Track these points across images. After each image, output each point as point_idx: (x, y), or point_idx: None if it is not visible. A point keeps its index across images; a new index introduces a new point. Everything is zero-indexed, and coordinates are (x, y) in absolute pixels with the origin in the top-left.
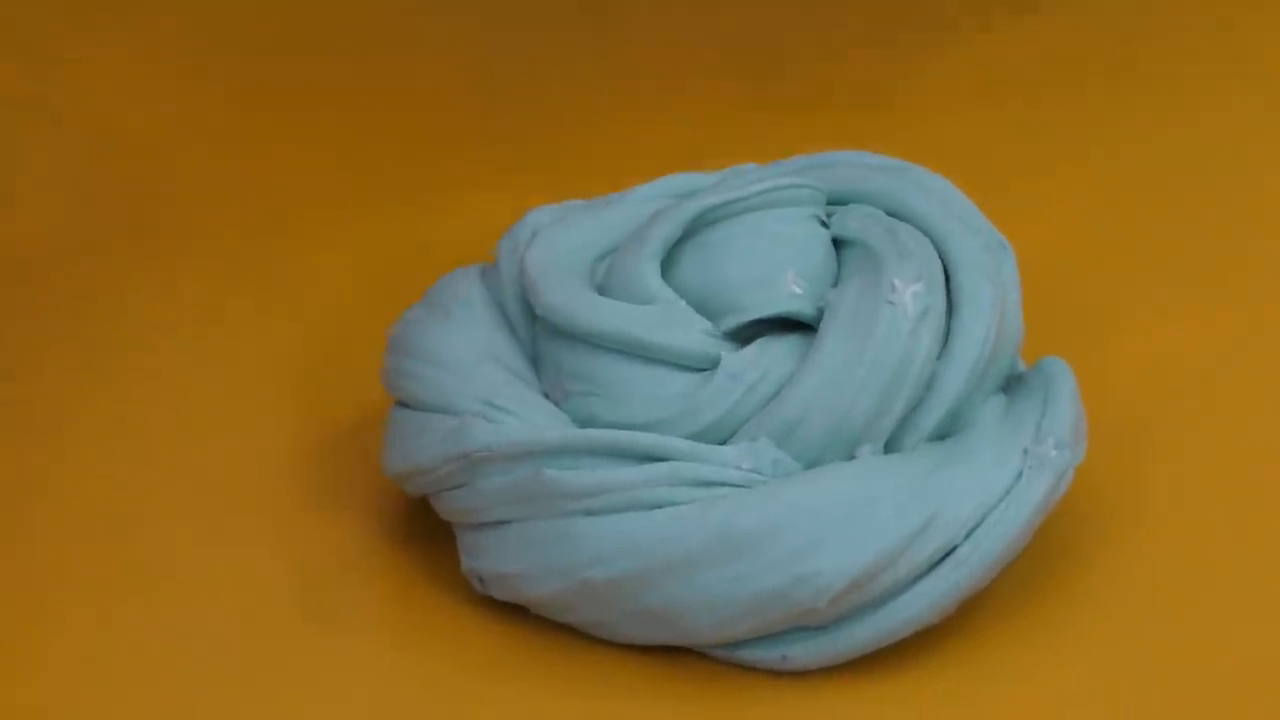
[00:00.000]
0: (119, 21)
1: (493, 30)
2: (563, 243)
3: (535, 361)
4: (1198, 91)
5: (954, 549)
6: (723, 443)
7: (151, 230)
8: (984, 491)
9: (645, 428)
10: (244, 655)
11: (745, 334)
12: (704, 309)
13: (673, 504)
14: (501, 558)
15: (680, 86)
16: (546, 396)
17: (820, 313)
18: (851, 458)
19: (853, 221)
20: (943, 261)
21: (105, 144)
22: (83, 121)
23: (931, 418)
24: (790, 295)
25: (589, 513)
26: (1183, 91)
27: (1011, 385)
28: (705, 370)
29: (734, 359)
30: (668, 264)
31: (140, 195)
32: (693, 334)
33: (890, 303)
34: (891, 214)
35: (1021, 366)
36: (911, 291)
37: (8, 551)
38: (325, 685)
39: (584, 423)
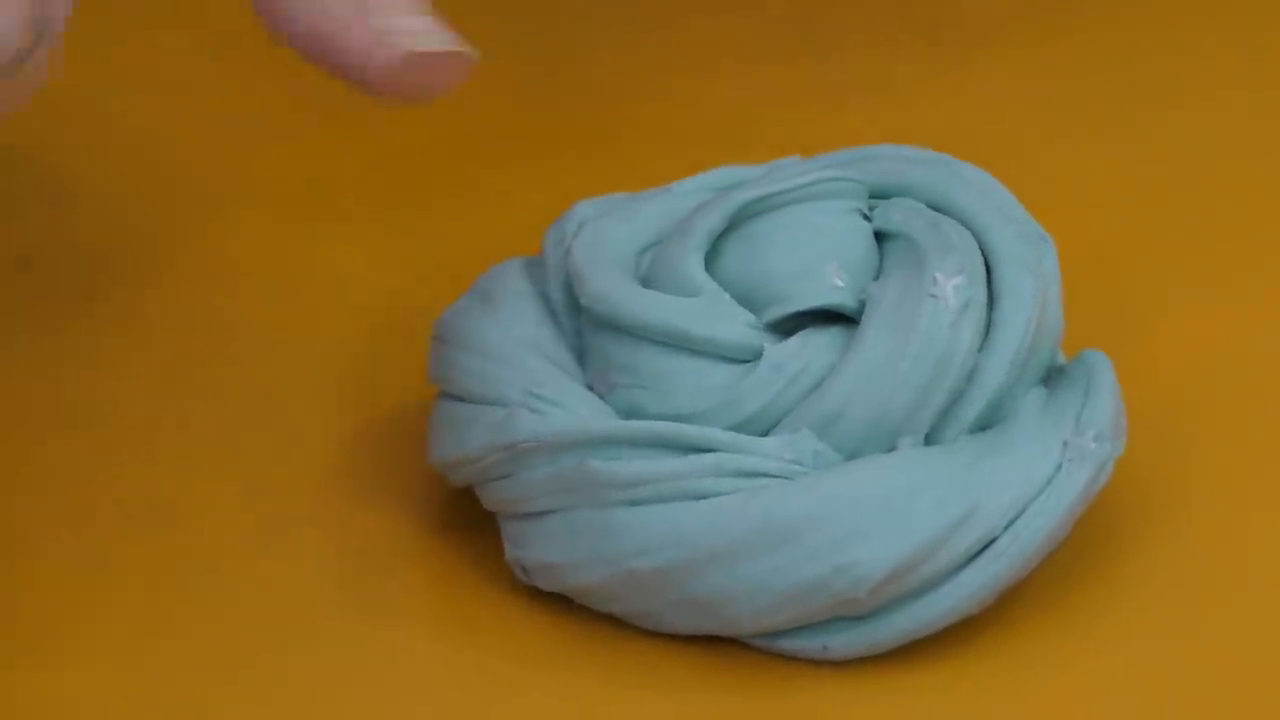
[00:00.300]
0: (152, 18)
1: (540, 23)
2: (608, 235)
3: (580, 353)
4: (1236, 89)
5: (994, 540)
6: (765, 434)
7: (199, 220)
8: (1024, 483)
9: (689, 419)
10: (291, 644)
11: (788, 326)
12: (747, 301)
13: (715, 494)
14: (546, 547)
15: (726, 79)
16: (591, 388)
17: (862, 305)
18: (892, 449)
19: (895, 214)
20: (984, 254)
21: (148, 137)
22: (121, 116)
23: (972, 410)
24: (833, 288)
25: (633, 503)
26: (1221, 89)
27: (1052, 378)
28: (748, 362)
29: (776, 350)
30: (711, 256)
31: (190, 184)
32: (736, 326)
33: (932, 295)
34: (933, 207)
35: (1062, 359)
36: (953, 284)
37: (56, 542)
38: (370, 674)
39: (628, 414)
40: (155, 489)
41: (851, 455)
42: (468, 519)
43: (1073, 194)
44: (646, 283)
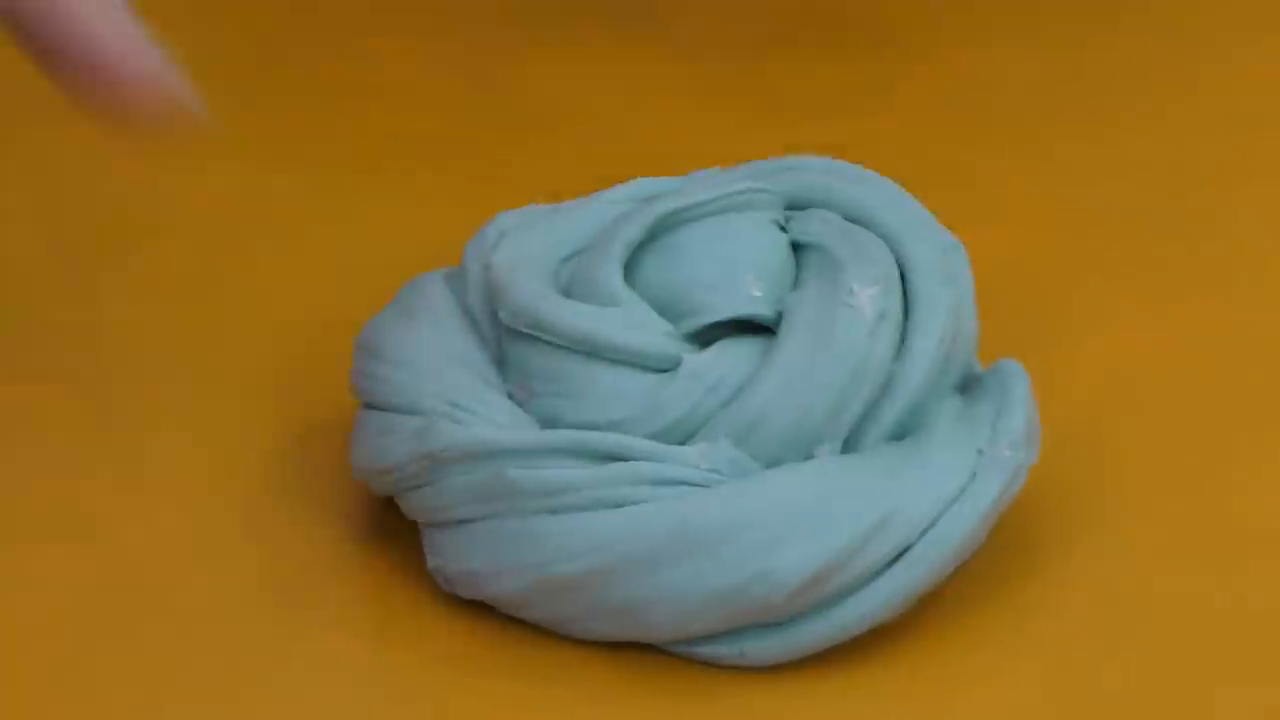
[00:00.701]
0: None
1: (465, 38)
2: (528, 245)
3: (501, 363)
4: (1155, 102)
5: (909, 548)
6: (684, 442)
7: (121, 236)
8: (939, 491)
9: (608, 427)
10: (215, 651)
11: (706, 336)
12: (666, 311)
13: (634, 503)
14: (466, 555)
15: (647, 93)
16: (511, 397)
17: (779, 315)
18: (810, 458)
19: (811, 226)
20: (899, 265)
21: (71, 153)
22: (44, 131)
23: (889, 418)
24: (750, 298)
25: (551, 511)
26: (1140, 102)
27: (968, 387)
28: (667, 371)
29: (694, 360)
30: (631, 267)
31: (112, 198)
32: (654, 335)
33: (848, 305)
34: (849, 219)
35: (978, 368)
36: (868, 295)
37: None
38: (294, 680)
39: (548, 422)
40: (80, 503)
41: (769, 464)
42: (392, 528)
43: (988, 204)
44: (567, 293)
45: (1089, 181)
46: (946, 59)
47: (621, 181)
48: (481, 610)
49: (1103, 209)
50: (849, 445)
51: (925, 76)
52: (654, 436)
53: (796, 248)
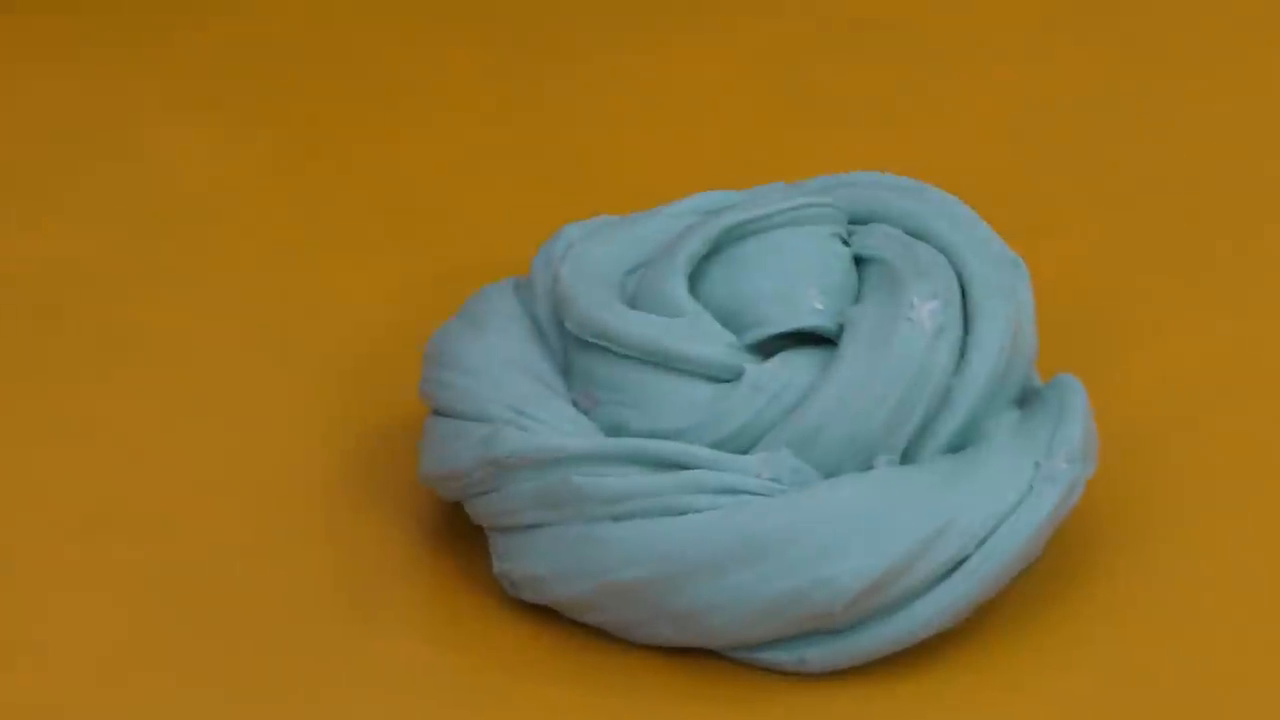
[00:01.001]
0: (155, 52)
1: (531, 49)
2: (595, 257)
3: (566, 371)
4: (1214, 112)
5: (966, 558)
6: (745, 451)
7: (198, 241)
8: (996, 502)
9: (671, 436)
10: (284, 651)
11: (768, 347)
12: (730, 322)
13: (695, 510)
14: (531, 561)
15: (713, 105)
16: (576, 406)
17: (841, 328)
18: (869, 468)
19: (873, 240)
20: (959, 279)
21: (152, 162)
22: (125, 139)
23: (947, 430)
24: (812, 310)
25: (615, 518)
26: (1199, 113)
27: (1026, 400)
28: (729, 381)
29: (757, 371)
30: (695, 278)
31: (190, 210)
32: (718, 346)
33: (908, 319)
34: (910, 233)
35: (1037, 382)
36: (929, 308)
37: (54, 553)
38: (363, 682)
39: (612, 430)
40: (152, 502)
41: (829, 473)
42: (458, 533)
43: (1049, 219)
44: (632, 304)
45: (1147, 194)
46: (1002, 70)
47: (687, 194)
48: (546, 614)
49: (1161, 222)
50: (908, 456)
51: (984, 89)
52: (716, 445)
53: (859, 261)
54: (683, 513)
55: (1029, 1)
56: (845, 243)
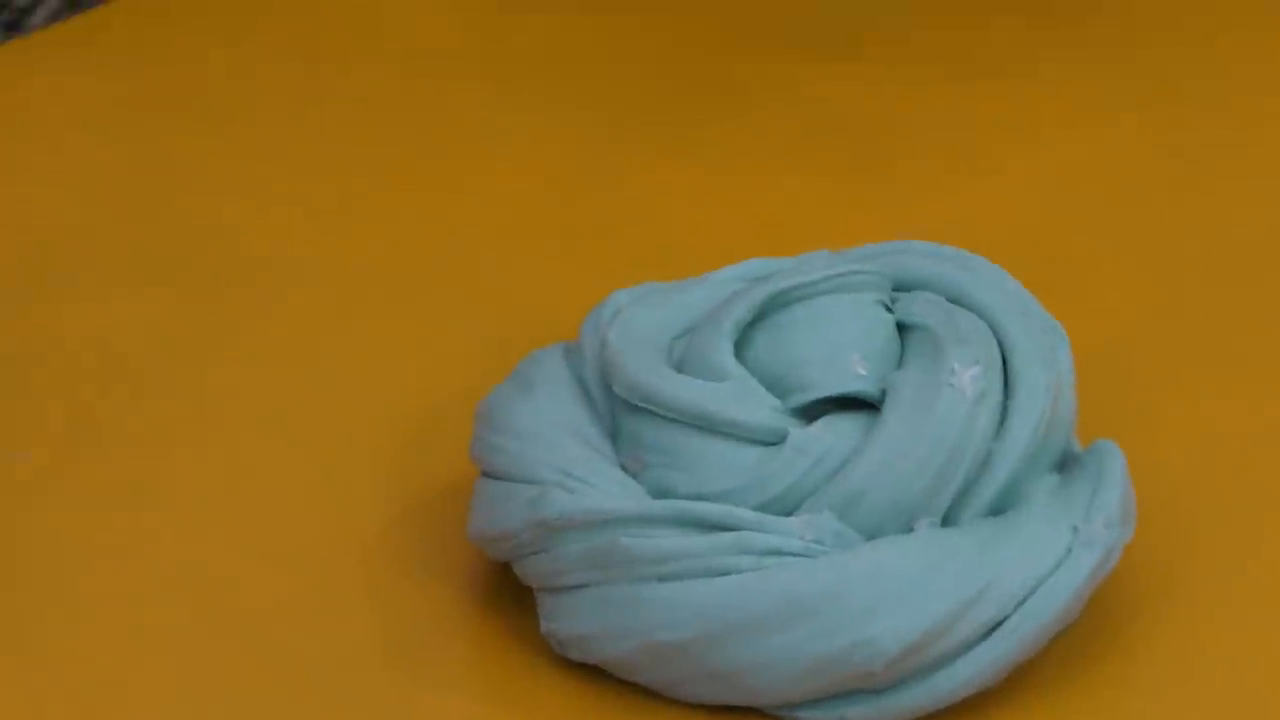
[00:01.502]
0: (211, 115)
1: (580, 114)
2: (643, 322)
3: (614, 435)
4: (1249, 184)
5: (1005, 619)
6: (789, 514)
7: (250, 300)
8: (1035, 565)
9: (716, 498)
10: (333, 709)
11: (812, 411)
12: (774, 387)
13: (739, 571)
14: (578, 620)
15: (759, 176)
16: (624, 468)
17: (883, 393)
18: (910, 530)
19: (915, 307)
20: (1000, 346)
21: (213, 226)
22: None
23: (987, 494)
24: (855, 375)
25: (661, 578)
26: (1235, 185)
27: (1066, 464)
28: (774, 444)
29: (801, 434)
30: (741, 344)
31: (238, 265)
32: (763, 410)
33: (950, 385)
34: (952, 300)
35: (1077, 447)
36: (970, 375)
37: (113, 611)
38: None
39: (658, 493)
40: (206, 561)
41: (871, 535)
42: (507, 593)
43: (1089, 285)
44: (679, 368)
45: (1189, 262)
46: (1047, 139)
47: (733, 261)
48: (593, 673)
49: (1201, 290)
50: (948, 519)
51: (1029, 157)
52: (760, 507)
53: (901, 328)
54: (726, 573)
55: (1078, 71)
56: (889, 309)
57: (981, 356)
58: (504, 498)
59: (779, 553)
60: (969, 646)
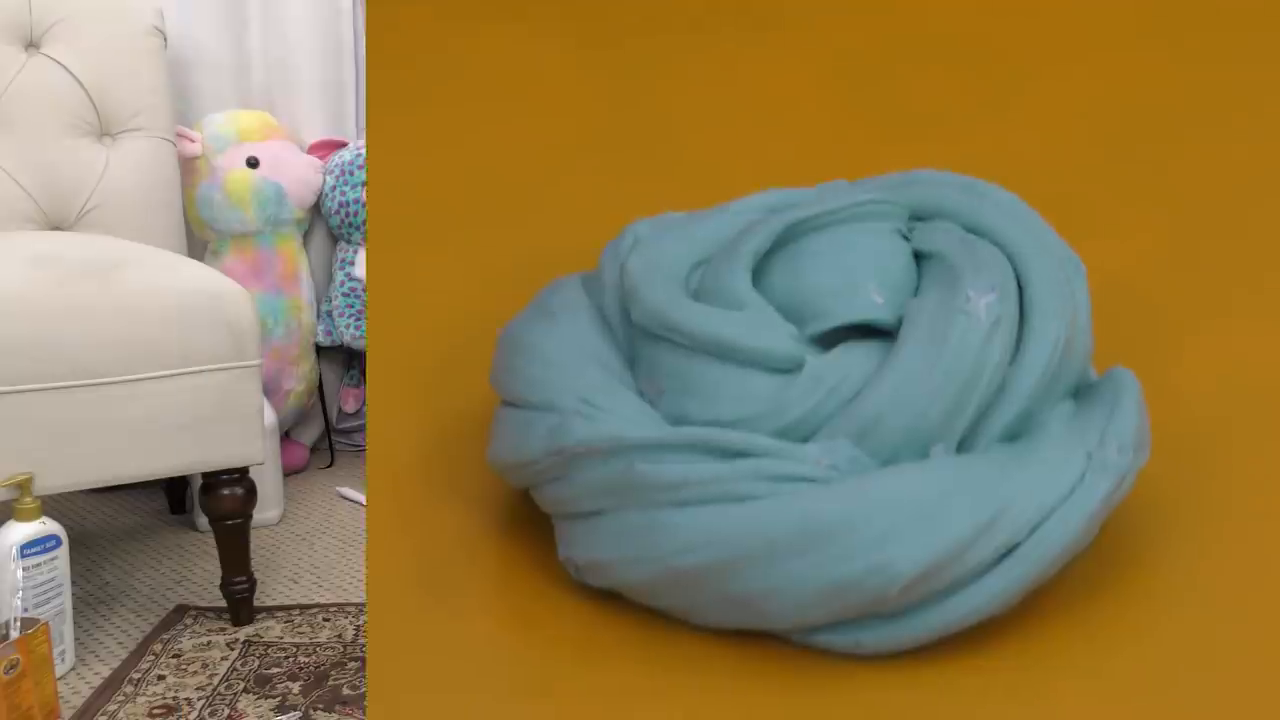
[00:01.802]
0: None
1: (605, 50)
2: (661, 252)
3: (632, 362)
4: (1266, 119)
5: (1018, 545)
6: (805, 440)
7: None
8: (1048, 491)
9: (733, 425)
10: (370, 626)
11: (829, 339)
12: (791, 315)
13: (755, 498)
14: (594, 546)
15: (780, 108)
16: (642, 395)
17: (900, 321)
18: (925, 457)
19: (932, 236)
20: (1016, 274)
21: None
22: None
23: (1002, 421)
24: (872, 304)
25: (677, 504)
26: (1257, 125)
27: (1081, 392)
28: (790, 372)
29: (817, 362)
30: (759, 273)
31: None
32: (780, 338)
33: (965, 312)
34: (969, 230)
35: (1093, 375)
36: (985, 302)
37: None
38: (432, 658)
39: (676, 419)
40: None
41: (887, 462)
42: (526, 519)
43: (1109, 220)
44: (697, 297)
45: (1208, 199)
46: (1069, 77)
47: (753, 191)
48: (610, 598)
49: (1221, 226)
50: (963, 446)
51: (1051, 96)
52: (777, 434)
53: (918, 256)
54: (743, 500)
55: (1100, 13)
56: (906, 238)
57: (997, 284)
58: (524, 425)
59: (795, 479)
60: (983, 571)
